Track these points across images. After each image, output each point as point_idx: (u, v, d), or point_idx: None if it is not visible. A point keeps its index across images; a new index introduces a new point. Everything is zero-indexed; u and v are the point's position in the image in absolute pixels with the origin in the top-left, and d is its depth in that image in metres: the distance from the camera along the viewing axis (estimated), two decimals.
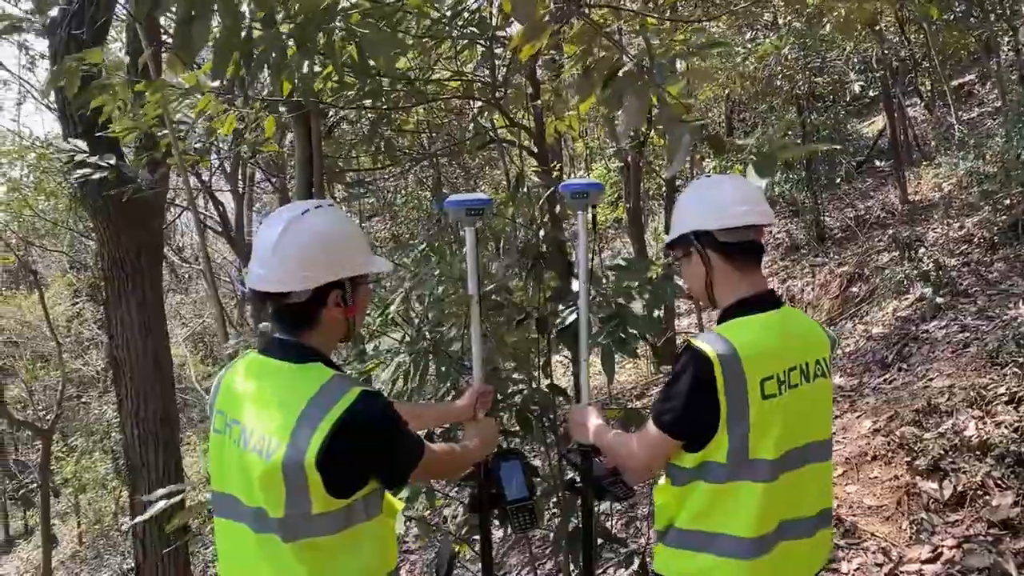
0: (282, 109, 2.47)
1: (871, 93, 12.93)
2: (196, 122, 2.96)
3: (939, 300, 5.93)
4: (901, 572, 3.21)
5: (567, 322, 2.60)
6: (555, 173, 4.59)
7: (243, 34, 1.69)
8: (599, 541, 2.65)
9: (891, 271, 7.19)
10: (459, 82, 2.78)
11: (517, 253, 2.79)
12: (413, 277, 2.22)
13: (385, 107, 2.50)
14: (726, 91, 10.35)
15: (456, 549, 2.45)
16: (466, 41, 2.66)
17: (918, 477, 3.71)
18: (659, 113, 1.80)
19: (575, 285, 2.66)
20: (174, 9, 1.51)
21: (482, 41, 2.50)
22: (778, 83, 9.25)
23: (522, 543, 2.98)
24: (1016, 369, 4.28)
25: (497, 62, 2.61)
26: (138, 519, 2.08)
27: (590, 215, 2.19)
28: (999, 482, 3.47)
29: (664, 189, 8.41)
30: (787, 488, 1.65)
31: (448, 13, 2.54)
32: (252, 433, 1.50)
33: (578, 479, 2.15)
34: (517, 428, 2.59)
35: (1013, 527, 3.21)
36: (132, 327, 4.38)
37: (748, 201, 1.79)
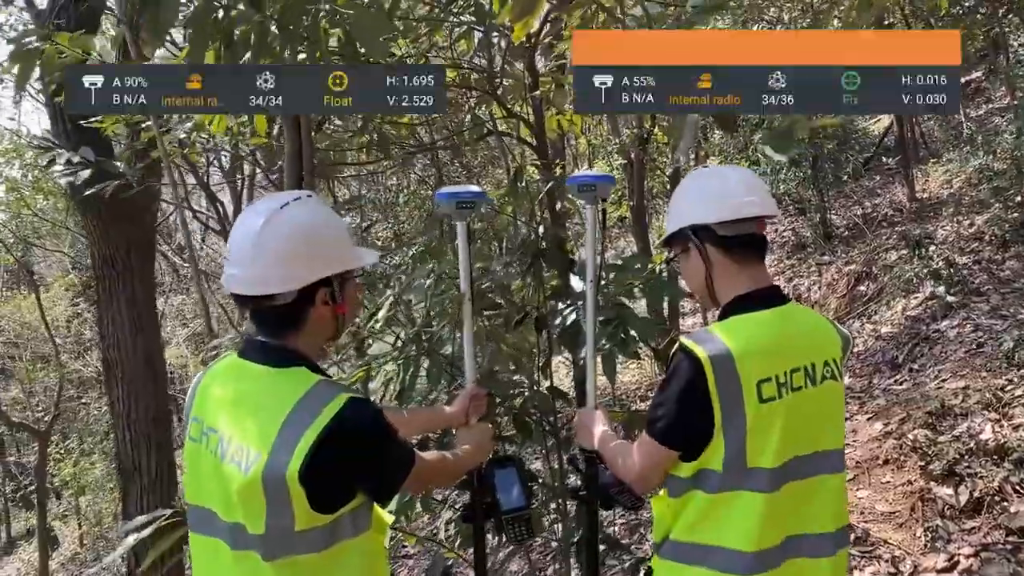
0: None
1: None
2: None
3: (950, 299, 5.80)
4: None
5: (567, 322, 2.49)
6: (558, 171, 4.48)
7: (220, 15, 1.58)
8: (602, 547, 2.54)
9: (900, 269, 7.06)
10: (455, 72, 2.67)
11: (516, 250, 2.69)
12: (406, 279, 2.11)
13: None
14: None
15: (449, 562, 2.34)
16: (463, 28, 2.56)
17: (932, 482, 3.58)
18: None
19: (575, 283, 2.55)
20: None
21: (479, 28, 2.38)
22: None
23: (522, 549, 2.86)
24: None
25: (493, 50, 2.50)
26: (120, 550, 1.96)
27: (599, 209, 2.07)
28: (1018, 488, 3.34)
29: (668, 186, 8.29)
30: (792, 500, 1.53)
31: None
32: (230, 442, 1.39)
33: (583, 487, 2.04)
34: (515, 433, 2.48)
35: None
36: (123, 326, 4.28)
37: (748, 191, 1.68)
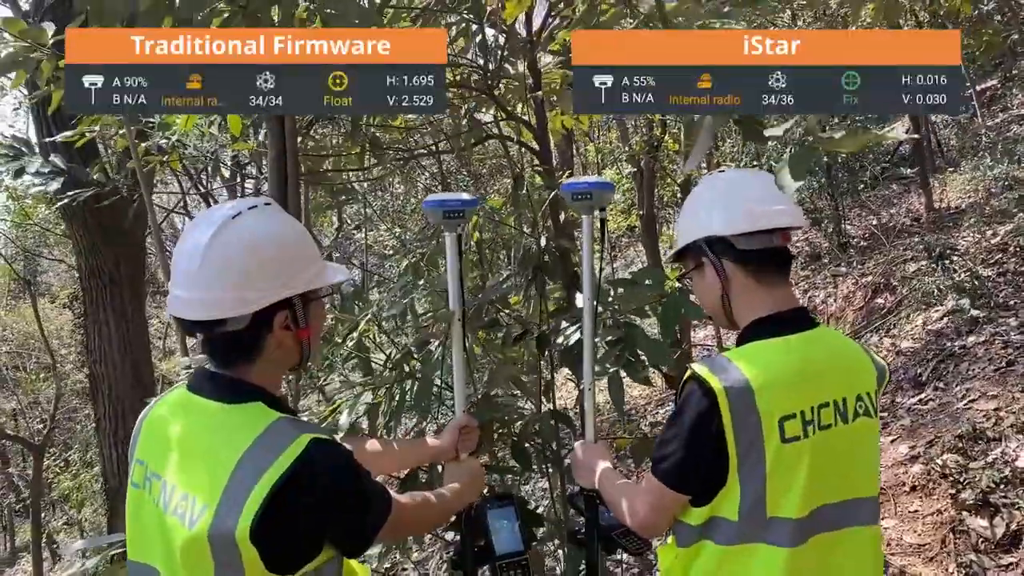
0: None
1: None
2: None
3: (975, 313, 5.54)
4: None
5: (571, 341, 2.29)
6: (565, 178, 4.27)
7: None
8: None
9: (920, 281, 6.81)
10: (453, 71, 2.48)
11: (519, 263, 2.50)
12: (388, 294, 1.91)
13: None
14: None
15: None
16: (463, 26, 2.37)
17: (965, 512, 3.34)
18: None
19: (580, 299, 2.35)
20: None
21: (476, 22, 2.20)
22: None
23: None
24: None
25: (490, 45, 2.32)
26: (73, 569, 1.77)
27: (597, 220, 1.88)
28: None
29: (680, 195, 8.08)
30: (819, 556, 1.34)
31: None
32: (174, 492, 1.20)
33: (582, 529, 1.83)
34: (513, 463, 2.27)
35: None
36: (110, 340, 4.11)
37: (771, 199, 1.49)
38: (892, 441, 4.26)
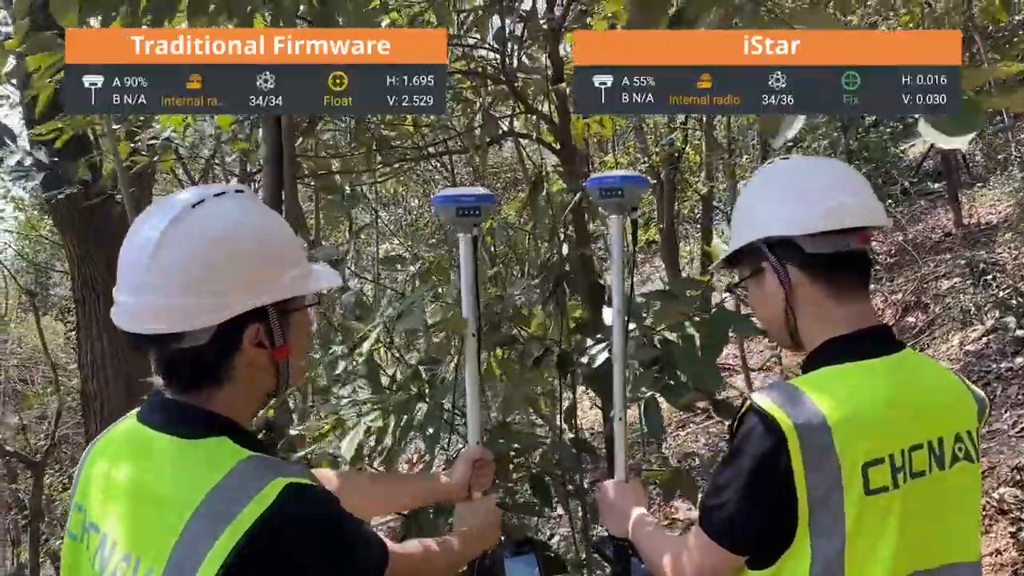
0: None
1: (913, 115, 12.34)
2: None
3: (1021, 332, 5.23)
4: None
5: (597, 361, 2.04)
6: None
7: None
8: None
9: (955, 299, 6.51)
10: (467, 62, 2.27)
11: (538, 274, 2.26)
12: (400, 304, 1.67)
13: None
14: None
15: None
16: (479, 14, 2.15)
17: None
18: None
19: (606, 314, 2.10)
20: None
21: (491, 6, 1.99)
22: None
23: None
24: None
25: (508, 32, 2.10)
26: None
27: (627, 221, 1.64)
28: None
29: (700, 209, 7.83)
30: None
31: None
32: (114, 550, 0.96)
33: None
34: (531, 498, 2.01)
35: None
36: (103, 354, 3.89)
37: (848, 190, 1.23)
38: None
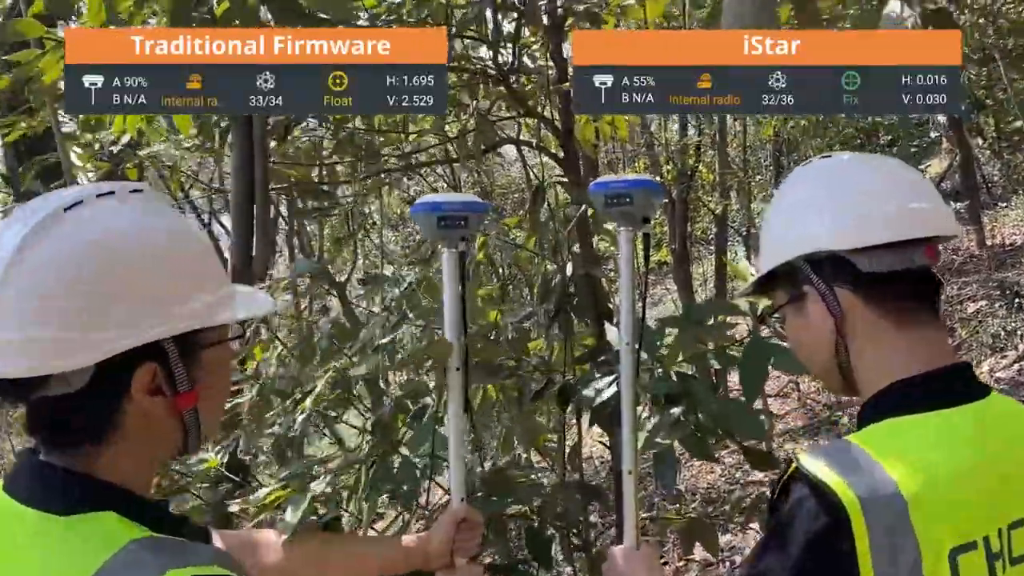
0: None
1: (932, 135, 12.15)
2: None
3: None
4: None
5: (604, 396, 1.79)
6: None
7: None
8: None
9: (985, 323, 6.22)
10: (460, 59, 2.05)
11: (543, 296, 2.02)
12: (366, 333, 1.42)
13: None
14: (773, 129, 9.58)
15: None
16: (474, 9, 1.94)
17: None
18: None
19: (614, 340, 1.85)
20: None
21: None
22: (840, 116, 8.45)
23: None
24: None
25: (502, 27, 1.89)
26: None
27: (639, 235, 1.40)
28: None
29: (714, 229, 7.58)
30: None
31: None
32: None
33: None
34: (528, 556, 1.75)
35: None
36: None
37: (912, 193, 0.99)
38: None
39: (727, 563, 3.78)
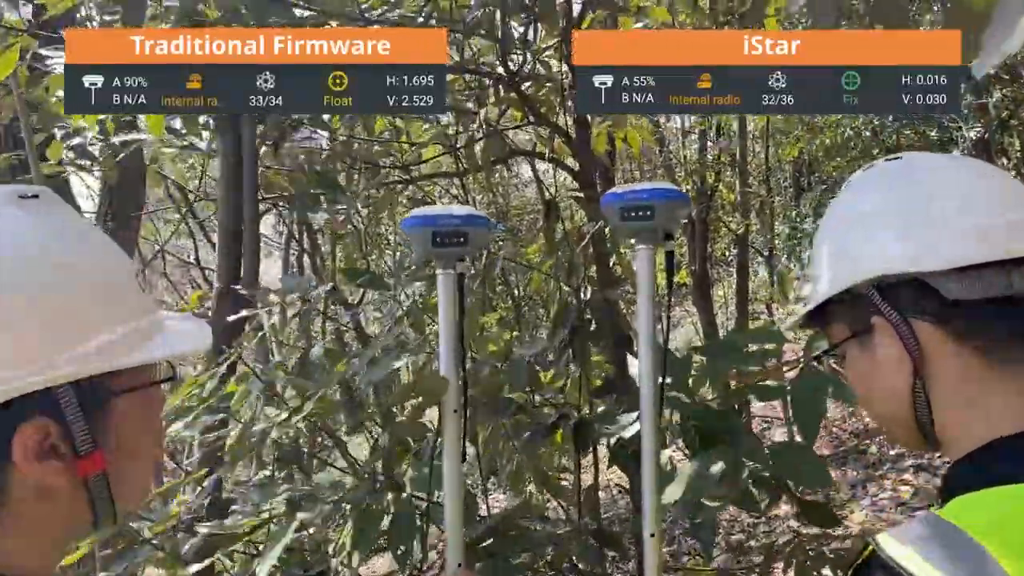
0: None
1: (955, 153, 11.98)
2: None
3: None
4: None
5: (625, 433, 1.61)
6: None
7: None
8: None
9: None
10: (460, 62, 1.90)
11: (560, 324, 1.84)
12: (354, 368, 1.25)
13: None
14: (797, 149, 9.40)
15: None
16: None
17: None
18: None
19: (635, 372, 1.66)
20: None
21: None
22: (865, 133, 8.27)
23: None
24: None
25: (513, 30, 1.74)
26: None
27: (661, 252, 1.22)
28: None
29: (735, 250, 7.38)
30: None
31: None
32: None
33: None
34: None
35: None
36: None
37: (1008, 202, 0.80)
38: None
39: None
